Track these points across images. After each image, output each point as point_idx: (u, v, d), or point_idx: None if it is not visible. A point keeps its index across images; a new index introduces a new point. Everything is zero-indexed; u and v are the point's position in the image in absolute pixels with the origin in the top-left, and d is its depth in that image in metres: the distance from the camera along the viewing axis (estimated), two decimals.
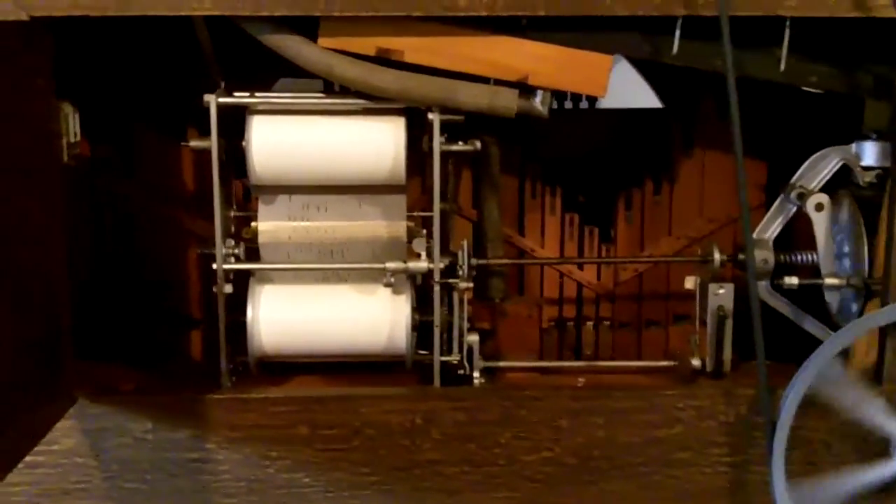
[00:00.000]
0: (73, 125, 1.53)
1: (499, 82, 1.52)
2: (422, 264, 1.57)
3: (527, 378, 1.72)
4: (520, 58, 1.50)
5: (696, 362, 1.64)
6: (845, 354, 1.57)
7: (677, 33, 1.48)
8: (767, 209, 1.64)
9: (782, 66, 1.51)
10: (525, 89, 1.52)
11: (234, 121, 1.57)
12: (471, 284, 1.60)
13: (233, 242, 1.58)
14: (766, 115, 1.72)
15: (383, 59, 1.49)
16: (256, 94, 1.56)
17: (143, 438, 1.54)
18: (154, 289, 1.75)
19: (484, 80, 1.51)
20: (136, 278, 1.75)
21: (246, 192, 1.68)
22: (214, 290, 1.56)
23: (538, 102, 1.53)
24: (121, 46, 1.65)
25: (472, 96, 1.50)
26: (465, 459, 1.58)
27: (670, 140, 1.77)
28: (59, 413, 1.48)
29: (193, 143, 1.56)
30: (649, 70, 1.73)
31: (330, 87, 1.62)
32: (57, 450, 1.53)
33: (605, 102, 1.70)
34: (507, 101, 1.51)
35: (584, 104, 1.93)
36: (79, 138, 1.54)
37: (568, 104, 1.91)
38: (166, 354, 1.75)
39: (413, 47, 1.48)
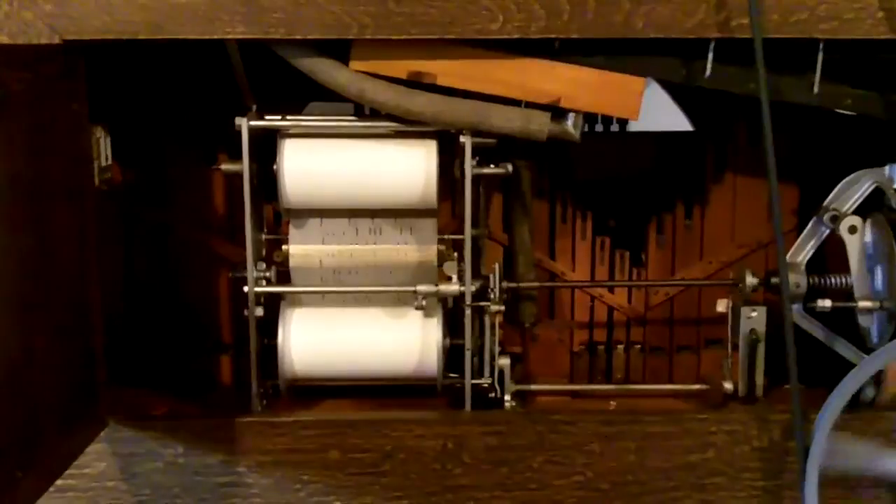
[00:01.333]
0: (104, 149, 1.53)
1: (530, 105, 1.51)
2: (453, 287, 1.57)
3: (558, 402, 1.71)
4: (552, 81, 1.50)
5: (728, 386, 1.63)
6: (877, 381, 1.56)
7: (710, 56, 1.47)
8: (799, 233, 1.63)
9: (816, 89, 1.50)
10: (557, 112, 1.52)
11: (265, 144, 1.57)
12: (502, 308, 1.60)
13: (264, 266, 1.59)
14: (797, 138, 1.71)
15: (415, 83, 1.50)
16: (288, 118, 1.57)
17: (174, 462, 1.54)
18: (185, 312, 1.75)
19: (516, 103, 1.51)
20: (167, 302, 1.75)
21: (276, 216, 1.68)
22: (245, 313, 1.57)
23: (570, 125, 1.53)
24: (151, 70, 1.65)
25: (505, 119, 1.50)
26: (497, 484, 1.57)
27: (702, 164, 1.76)
28: (91, 437, 1.48)
29: (225, 167, 1.57)
30: (680, 93, 1.73)
31: (360, 110, 1.62)
32: (88, 473, 1.53)
33: (636, 125, 1.69)
34: (540, 124, 1.51)
35: (614, 127, 1.93)
36: (110, 162, 1.55)
37: (599, 127, 1.91)
38: (197, 378, 1.75)
39: (445, 71, 1.48)
